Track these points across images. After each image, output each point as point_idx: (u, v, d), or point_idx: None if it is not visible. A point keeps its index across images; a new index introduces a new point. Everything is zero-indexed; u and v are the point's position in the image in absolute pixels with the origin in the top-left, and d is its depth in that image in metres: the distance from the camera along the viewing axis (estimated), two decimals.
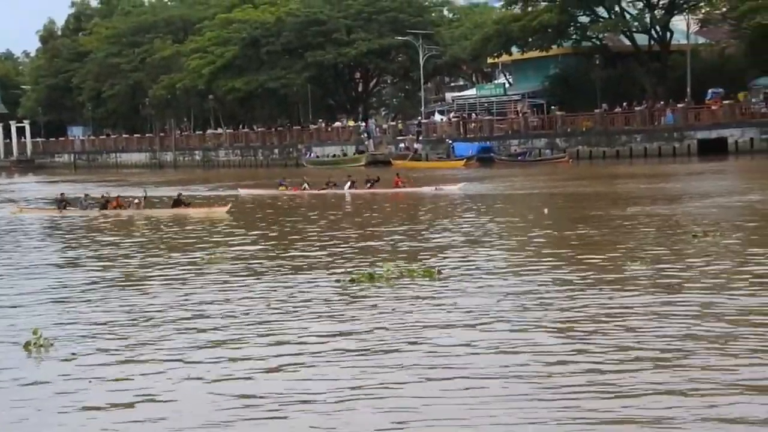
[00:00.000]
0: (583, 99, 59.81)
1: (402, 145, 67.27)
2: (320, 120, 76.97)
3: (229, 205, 30.60)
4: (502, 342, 10.35)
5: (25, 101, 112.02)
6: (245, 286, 14.76)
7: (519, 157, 58.79)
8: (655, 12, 61.32)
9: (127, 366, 10.02)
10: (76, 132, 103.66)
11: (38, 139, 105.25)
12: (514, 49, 65.61)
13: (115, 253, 20.52)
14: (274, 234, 23.43)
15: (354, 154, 68.34)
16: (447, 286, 13.86)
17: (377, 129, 72.99)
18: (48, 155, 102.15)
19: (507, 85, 71.88)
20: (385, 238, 20.73)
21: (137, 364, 10.11)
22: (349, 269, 15.67)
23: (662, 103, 57.77)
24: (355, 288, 13.97)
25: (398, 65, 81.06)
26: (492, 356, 9.76)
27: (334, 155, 69.70)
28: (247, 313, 12.50)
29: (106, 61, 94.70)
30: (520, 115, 63.86)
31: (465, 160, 58.83)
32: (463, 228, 22.54)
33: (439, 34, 76.93)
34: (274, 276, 15.70)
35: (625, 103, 58.51)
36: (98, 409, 8.65)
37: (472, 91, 75.05)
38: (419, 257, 17.16)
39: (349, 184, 37.79)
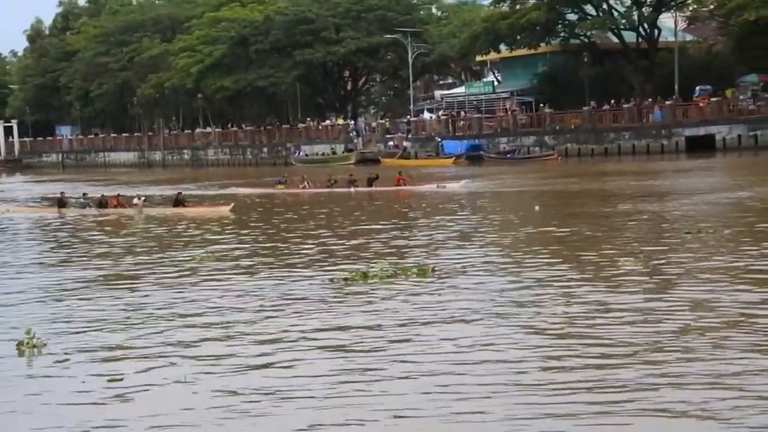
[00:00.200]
0: (571, 96, 59.97)
1: (391, 143, 67.32)
2: (309, 118, 76.97)
3: (233, 204, 30.61)
4: (497, 338, 10.39)
5: (12, 101, 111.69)
6: (239, 284, 14.75)
7: (508, 155, 58.92)
8: (643, 9, 61.52)
9: (120, 365, 10.00)
10: (64, 131, 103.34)
11: (26, 139, 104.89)
12: (502, 47, 65.78)
13: (110, 251, 20.49)
14: (270, 232, 23.40)
15: (343, 152, 68.36)
16: (441, 284, 13.88)
17: (366, 127, 73.01)
18: (36, 155, 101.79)
19: (496, 83, 72.06)
20: (381, 237, 20.73)
21: (130, 362, 10.09)
22: (343, 268, 15.66)
23: (650, 100, 57.96)
24: (349, 286, 13.98)
25: (387, 63, 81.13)
26: (485, 353, 9.79)
27: (324, 154, 69.70)
28: (241, 312, 12.49)
29: (94, 60, 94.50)
30: (509, 112, 63.99)
31: (454, 158, 58.96)
32: (456, 226, 22.57)
33: (427, 32, 77.04)
34: (268, 274, 15.69)
35: (613, 101, 58.69)
36: (92, 407, 8.64)
37: (460, 89, 75.19)
38: (414, 255, 17.19)
39: (350, 182, 37.24)
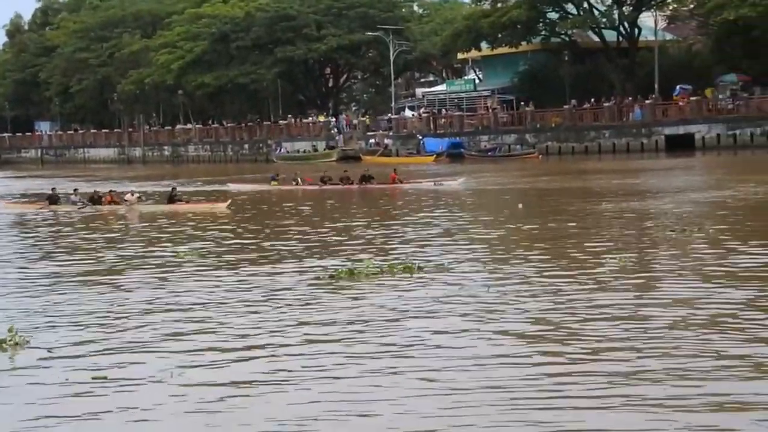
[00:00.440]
0: (552, 95, 60.18)
1: (372, 140, 67.33)
2: (290, 115, 76.85)
3: (229, 201, 30.47)
4: (483, 333, 10.46)
5: None
6: (225, 281, 14.72)
7: (489, 153, 59.10)
8: (624, 8, 61.80)
9: (104, 362, 9.96)
10: (44, 127, 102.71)
11: (5, 135, 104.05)
12: (483, 45, 65.91)
13: (95, 247, 20.40)
14: (259, 228, 23.35)
15: (324, 149, 68.30)
16: (427, 281, 13.91)
17: (348, 124, 72.95)
18: (15, 150, 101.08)
19: (477, 81, 72.15)
20: (369, 234, 20.80)
21: (114, 359, 10.05)
22: (330, 265, 15.64)
23: (630, 99, 58.24)
24: (335, 283, 13.98)
25: (368, 61, 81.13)
26: (471, 348, 9.84)
27: (305, 151, 69.61)
28: (226, 309, 12.48)
29: (74, 55, 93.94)
30: (490, 111, 64.14)
31: (435, 155, 59.04)
32: (441, 223, 22.64)
33: (409, 29, 77.08)
34: (254, 271, 15.66)
35: (593, 99, 58.93)
36: (75, 405, 8.61)
37: (442, 87, 75.28)
38: (400, 252, 17.22)
39: (342, 179, 36.88)
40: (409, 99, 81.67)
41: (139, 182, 47.40)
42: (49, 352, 10.49)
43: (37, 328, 11.75)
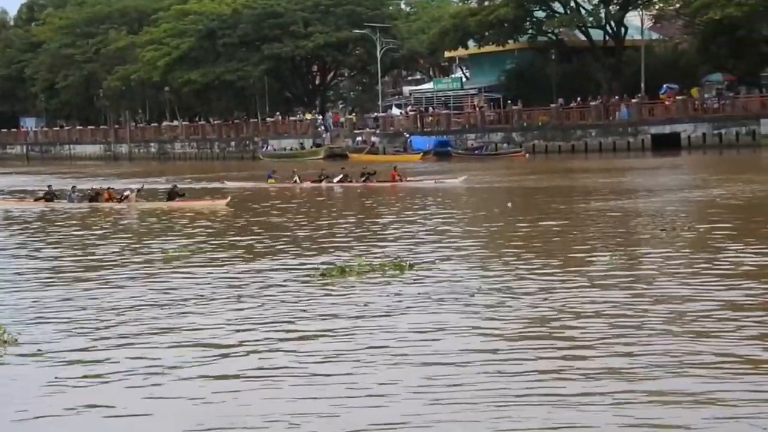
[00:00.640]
0: (539, 94, 60.32)
1: (359, 138, 67.32)
2: (277, 113, 76.74)
3: (229, 198, 30.36)
4: (474, 330, 10.49)
5: None
6: (216, 279, 14.67)
7: (475, 151, 59.18)
8: (610, 8, 62.04)
9: (93, 359, 9.93)
10: (29, 123, 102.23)
11: None
12: (470, 44, 66.00)
13: (86, 244, 20.34)
14: (254, 226, 23.28)
15: (311, 147, 68.23)
16: (418, 279, 13.91)
17: (334, 122, 72.89)
18: None
19: (464, 80, 72.28)
20: (361, 231, 20.83)
21: (104, 356, 10.02)
22: (321, 263, 15.62)
23: (617, 98, 58.45)
24: (326, 282, 13.96)
25: (355, 58, 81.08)
26: (462, 345, 9.86)
27: (292, 148, 69.52)
28: (216, 306, 12.46)
29: (60, 51, 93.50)
30: (477, 109, 64.23)
31: (422, 153, 59.08)
32: (432, 221, 22.67)
33: (396, 27, 77.06)
34: (245, 269, 15.63)
35: (580, 98, 59.08)
36: (64, 402, 8.57)
37: (429, 85, 75.29)
38: (392, 250, 17.22)
39: (340, 177, 36.65)
40: (396, 97, 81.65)
41: (125, 179, 47.19)
42: (38, 349, 10.43)
43: (27, 325, 11.69)
